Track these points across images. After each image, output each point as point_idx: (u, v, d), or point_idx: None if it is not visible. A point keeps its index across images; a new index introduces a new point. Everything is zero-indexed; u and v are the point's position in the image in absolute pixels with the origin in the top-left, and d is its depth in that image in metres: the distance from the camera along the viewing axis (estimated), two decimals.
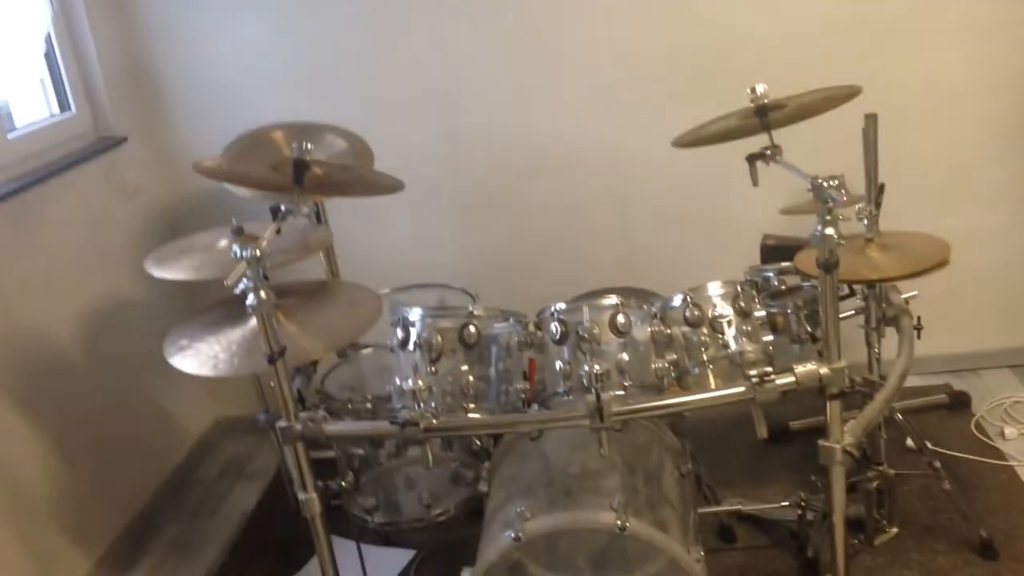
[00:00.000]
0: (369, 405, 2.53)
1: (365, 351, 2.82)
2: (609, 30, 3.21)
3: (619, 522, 1.89)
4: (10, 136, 2.77)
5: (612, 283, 3.10)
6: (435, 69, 3.31)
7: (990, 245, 3.23)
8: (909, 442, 2.89)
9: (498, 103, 3.33)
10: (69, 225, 2.96)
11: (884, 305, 2.54)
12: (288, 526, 2.96)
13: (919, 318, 2.51)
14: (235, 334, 2.29)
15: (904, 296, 2.56)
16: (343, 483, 2.39)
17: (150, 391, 3.33)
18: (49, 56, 3.01)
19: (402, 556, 2.76)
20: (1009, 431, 2.98)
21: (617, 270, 3.39)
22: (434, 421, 1.95)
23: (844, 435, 1.96)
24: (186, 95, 3.39)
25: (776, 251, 2.82)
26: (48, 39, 3.00)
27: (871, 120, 2.68)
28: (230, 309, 2.46)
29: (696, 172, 3.19)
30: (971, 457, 2.89)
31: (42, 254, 2.81)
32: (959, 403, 3.19)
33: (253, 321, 2.29)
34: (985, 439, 2.98)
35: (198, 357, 2.23)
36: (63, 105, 3.07)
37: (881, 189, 2.51)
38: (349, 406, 2.51)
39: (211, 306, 2.50)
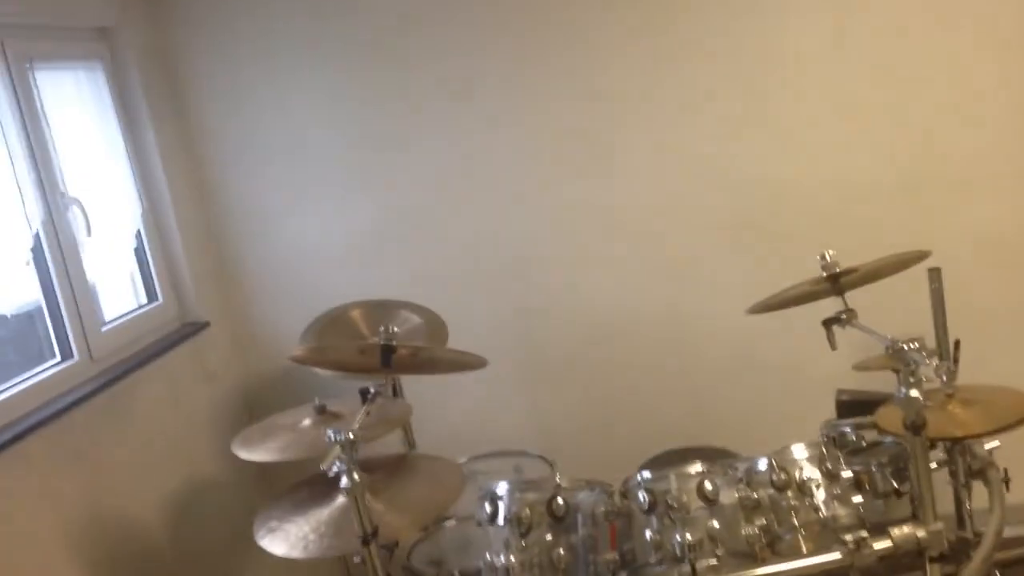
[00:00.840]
0: None
1: (448, 523, 2.82)
2: (666, 191, 3.33)
3: None
4: (103, 329, 2.90)
5: (684, 441, 3.12)
6: (499, 240, 3.44)
7: None
8: None
9: (562, 269, 3.43)
10: (155, 410, 3.05)
11: (969, 458, 2.51)
12: None
13: (1006, 470, 2.47)
14: (323, 514, 2.32)
15: (988, 447, 2.53)
16: None
17: (228, 567, 3.33)
18: (138, 251, 3.19)
19: None
20: None
21: (688, 428, 3.41)
22: None
23: None
24: (263, 278, 3.55)
25: (852, 406, 2.81)
26: (138, 234, 3.18)
27: (935, 274, 2.73)
28: (315, 488, 2.51)
29: (762, 328, 3.21)
30: None
31: (130, 441, 2.89)
32: None
33: (340, 500, 2.34)
34: None
35: (288, 539, 2.26)
36: (151, 295, 3.23)
37: (957, 345, 2.53)
38: None
39: (296, 486, 2.55)
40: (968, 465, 2.50)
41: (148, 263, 3.21)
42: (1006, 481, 2.45)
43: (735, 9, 3.20)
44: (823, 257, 2.24)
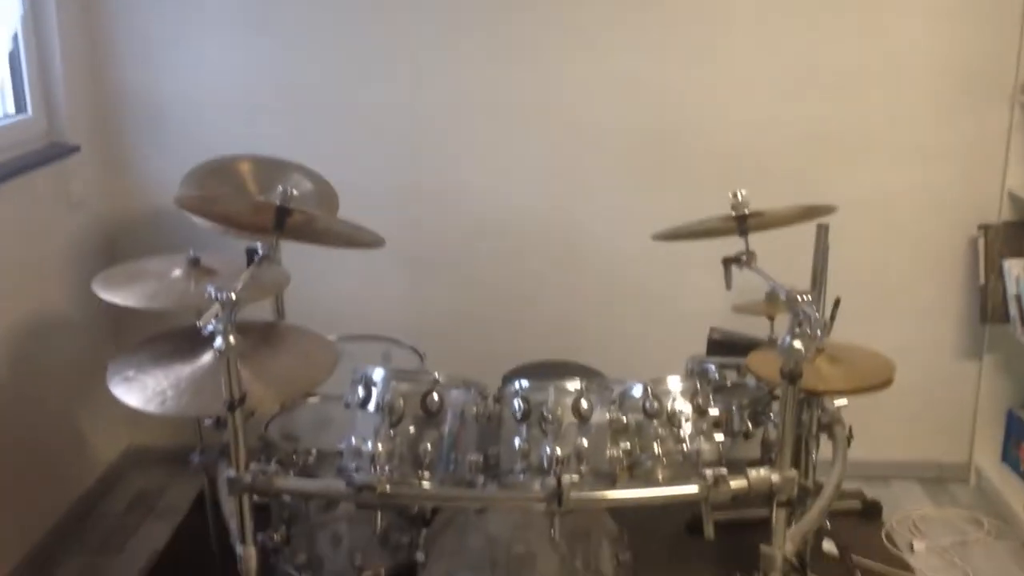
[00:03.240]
0: (312, 459, 2.46)
1: (312, 400, 2.76)
2: (577, 106, 3.28)
3: None
4: None
5: (552, 353, 3.14)
6: (400, 119, 3.32)
7: (912, 359, 3.34)
8: (825, 546, 2.97)
9: (460, 160, 3.35)
10: (10, 232, 2.84)
11: (820, 412, 2.62)
12: (200, 571, 2.89)
13: (850, 428, 2.60)
14: (184, 371, 2.22)
15: (837, 404, 2.65)
16: (275, 536, 2.32)
17: (69, 410, 3.19)
18: (13, 56, 2.91)
19: None
20: (918, 545, 3.08)
21: (558, 340, 3.45)
22: (388, 488, 1.93)
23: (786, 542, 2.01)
24: (145, 111, 3.32)
25: (721, 345, 2.89)
26: (15, 38, 2.90)
27: (823, 231, 2.79)
28: (177, 343, 2.40)
29: (648, 254, 3.25)
30: (881, 567, 2.97)
31: None
32: (871, 511, 3.28)
33: (204, 360, 2.24)
34: (895, 550, 3.08)
35: (144, 392, 2.15)
36: (19, 106, 2.96)
37: (837, 303, 2.60)
38: (294, 458, 2.44)
39: (156, 338, 2.42)
40: (818, 418, 2.62)
41: (22, 71, 2.94)
42: (849, 438, 2.58)
43: None
44: (734, 196, 2.24)
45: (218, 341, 1.85)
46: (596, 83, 3.26)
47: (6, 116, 2.93)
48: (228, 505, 2.16)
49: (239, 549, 1.99)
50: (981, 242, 3.27)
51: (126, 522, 3.23)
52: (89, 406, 3.27)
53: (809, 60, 3.21)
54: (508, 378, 2.71)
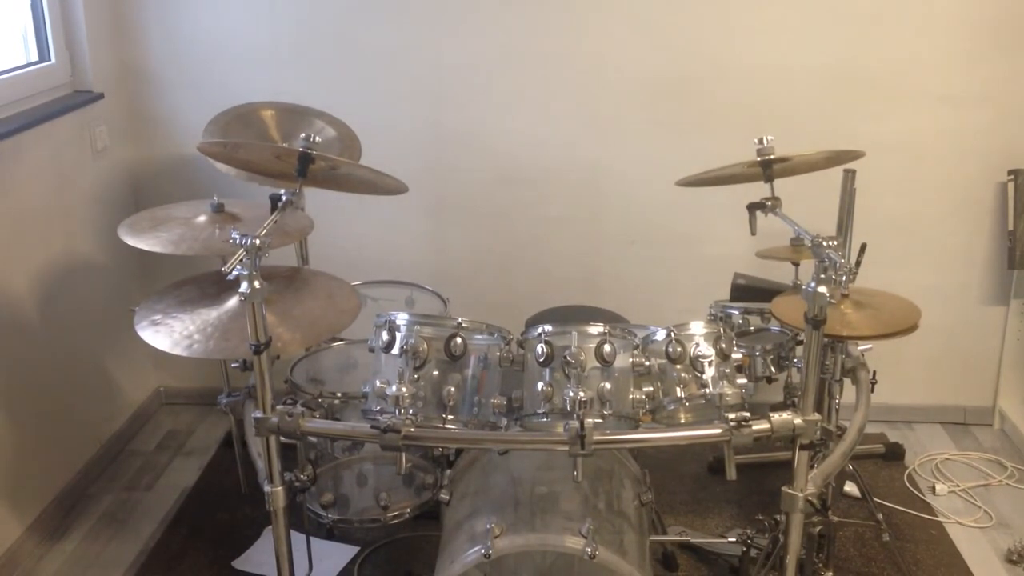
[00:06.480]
0: (337, 402, 2.50)
1: (336, 344, 2.79)
2: (603, 52, 3.24)
3: (589, 550, 1.92)
4: None
5: (576, 299, 3.16)
6: (424, 66, 3.29)
7: (937, 305, 3.33)
8: (847, 488, 3.00)
9: (485, 107, 3.33)
10: (36, 178, 2.86)
11: (843, 357, 2.62)
12: (228, 508, 2.96)
13: (874, 372, 2.60)
14: (211, 315, 2.25)
15: (861, 348, 2.65)
16: (303, 476, 2.35)
17: (97, 353, 3.25)
18: (35, 3, 2.91)
19: (344, 552, 2.74)
20: (940, 488, 3.10)
21: (582, 286, 3.45)
22: (412, 430, 1.96)
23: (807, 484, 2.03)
24: (169, 58, 3.31)
25: (746, 291, 2.87)
26: None
27: (850, 176, 2.76)
28: (203, 288, 2.43)
29: (672, 200, 3.24)
30: (902, 509, 2.99)
31: (5, 203, 2.72)
32: (894, 454, 3.30)
33: (230, 304, 2.27)
34: (916, 492, 3.09)
35: (172, 335, 2.19)
36: (43, 54, 2.97)
37: (862, 249, 2.58)
38: (320, 400, 2.47)
39: (182, 283, 2.45)
40: (842, 363, 2.62)
41: (44, 18, 2.93)
42: (873, 383, 2.58)
43: None
44: (760, 141, 2.21)
45: (243, 286, 1.87)
46: (621, 29, 3.21)
47: (29, 64, 2.93)
48: (256, 445, 2.21)
49: (266, 488, 2.03)
50: (1011, 187, 3.23)
51: (156, 460, 3.30)
52: (118, 350, 3.33)
53: (836, 3, 3.14)
54: (531, 323, 2.73)
